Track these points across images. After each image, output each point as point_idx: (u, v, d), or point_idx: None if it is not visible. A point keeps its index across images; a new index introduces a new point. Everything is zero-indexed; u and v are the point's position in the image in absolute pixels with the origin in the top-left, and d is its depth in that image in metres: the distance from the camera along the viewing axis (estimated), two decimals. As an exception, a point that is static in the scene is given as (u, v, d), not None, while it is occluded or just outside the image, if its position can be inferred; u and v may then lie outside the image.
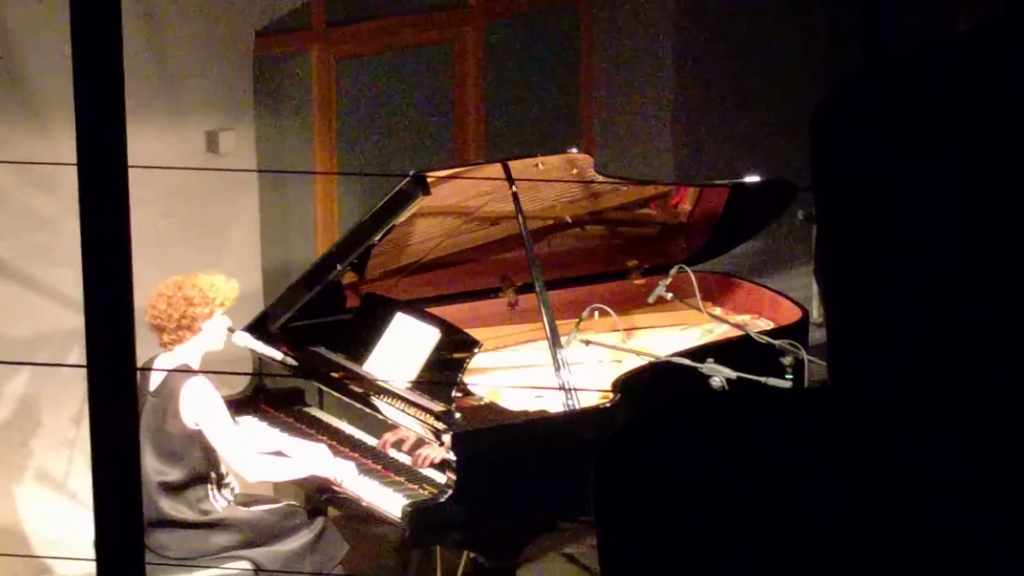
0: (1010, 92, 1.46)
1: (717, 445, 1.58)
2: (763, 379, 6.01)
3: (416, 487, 5.95)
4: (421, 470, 6.00)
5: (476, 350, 6.10)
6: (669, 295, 6.74)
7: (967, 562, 1.48)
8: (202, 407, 5.97)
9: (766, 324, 6.91)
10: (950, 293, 1.47)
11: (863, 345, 1.52)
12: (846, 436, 1.53)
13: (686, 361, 6.17)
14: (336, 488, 6.07)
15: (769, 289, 7.24)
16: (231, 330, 6.21)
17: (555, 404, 6.10)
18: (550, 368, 6.13)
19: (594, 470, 1.60)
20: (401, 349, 6.26)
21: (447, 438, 5.77)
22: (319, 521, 6.14)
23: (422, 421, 5.94)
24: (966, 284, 1.46)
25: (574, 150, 6.68)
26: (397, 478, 6.03)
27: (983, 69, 1.48)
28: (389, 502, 5.89)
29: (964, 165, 1.46)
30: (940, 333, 1.48)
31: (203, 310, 6.06)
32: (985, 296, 1.45)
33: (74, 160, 2.54)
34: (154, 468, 5.96)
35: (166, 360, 6.11)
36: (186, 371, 6.01)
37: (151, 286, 6.05)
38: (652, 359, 6.35)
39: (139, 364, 2.67)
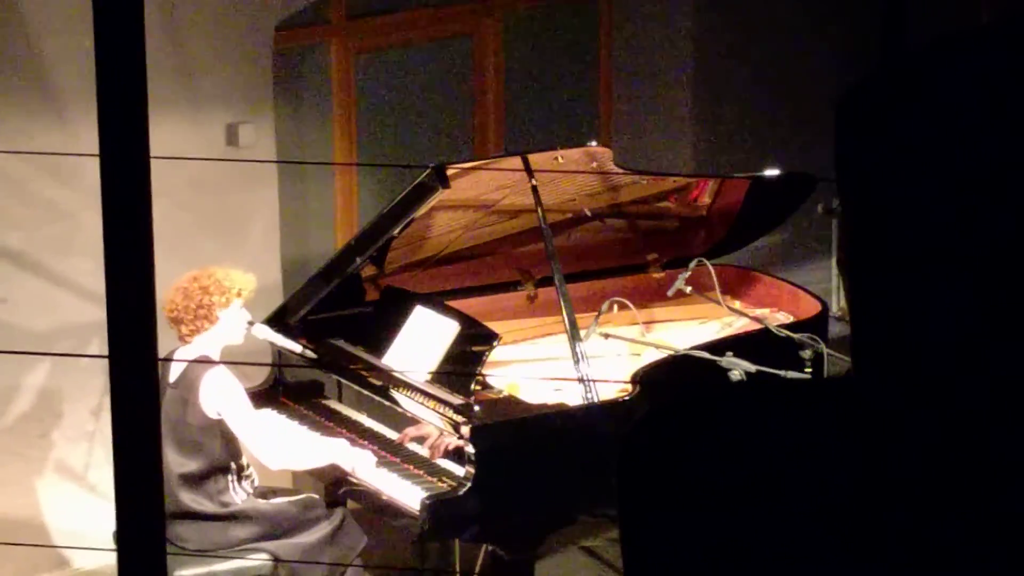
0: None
1: (737, 437, 1.58)
2: (782, 372, 6.00)
3: (435, 480, 5.95)
4: (439, 463, 6.00)
5: (495, 343, 6.09)
6: (688, 288, 6.73)
7: (961, 555, 1.48)
8: (223, 395, 5.99)
9: (785, 318, 6.90)
10: (975, 283, 1.46)
11: (887, 337, 1.52)
12: (863, 427, 1.53)
13: (705, 354, 6.17)
14: (354, 480, 6.07)
15: (788, 283, 7.23)
16: (251, 323, 6.22)
17: (574, 397, 6.10)
18: (569, 361, 6.12)
19: (618, 462, 1.60)
20: (420, 342, 6.26)
21: (466, 431, 5.77)
22: (338, 513, 6.14)
23: (441, 414, 5.94)
24: (994, 275, 1.45)
25: (593, 143, 6.66)
26: (416, 471, 6.03)
27: (1007, 60, 1.47)
28: (408, 495, 5.89)
29: (989, 156, 1.46)
30: (967, 324, 1.47)
31: (219, 299, 6.07)
32: (1016, 287, 1.44)
33: (95, 152, 2.54)
34: (174, 460, 5.97)
35: (186, 352, 6.12)
36: (206, 361, 6.02)
37: (170, 278, 6.06)
38: (671, 352, 6.35)
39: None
